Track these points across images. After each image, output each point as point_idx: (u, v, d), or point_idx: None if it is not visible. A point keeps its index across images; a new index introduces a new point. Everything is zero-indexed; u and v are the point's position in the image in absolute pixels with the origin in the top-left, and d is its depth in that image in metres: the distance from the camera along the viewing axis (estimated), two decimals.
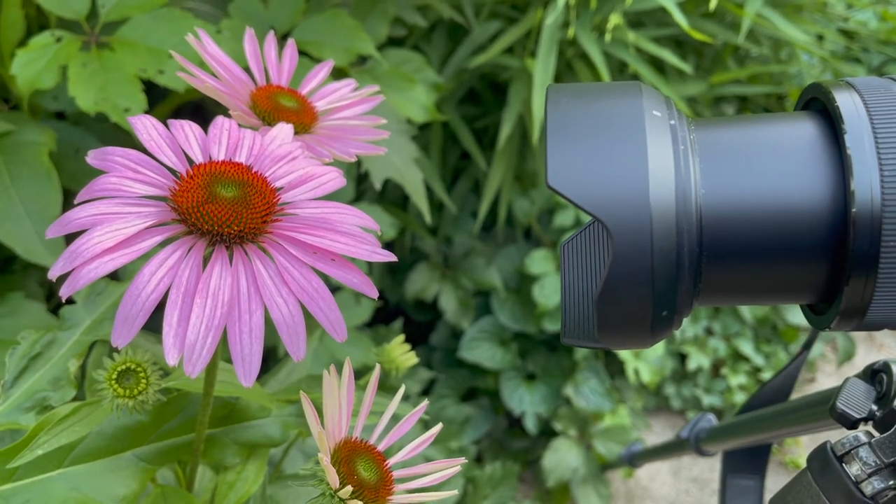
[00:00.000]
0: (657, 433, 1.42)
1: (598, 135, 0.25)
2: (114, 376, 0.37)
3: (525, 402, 1.27)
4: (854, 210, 0.25)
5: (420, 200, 0.93)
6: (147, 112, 0.67)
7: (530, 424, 1.26)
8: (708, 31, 1.22)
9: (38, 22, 0.79)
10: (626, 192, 0.24)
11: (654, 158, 0.25)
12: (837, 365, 1.51)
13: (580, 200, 0.24)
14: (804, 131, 0.27)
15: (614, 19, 1.05)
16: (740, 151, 0.26)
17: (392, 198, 1.27)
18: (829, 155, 0.26)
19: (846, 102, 0.26)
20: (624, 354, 1.32)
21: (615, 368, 1.38)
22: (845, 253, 0.25)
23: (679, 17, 1.02)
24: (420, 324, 1.37)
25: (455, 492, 0.35)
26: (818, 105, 0.28)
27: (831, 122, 0.27)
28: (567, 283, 0.30)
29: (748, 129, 0.27)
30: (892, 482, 0.28)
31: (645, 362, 1.33)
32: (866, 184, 0.25)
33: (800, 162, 0.26)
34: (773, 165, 0.26)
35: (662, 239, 0.24)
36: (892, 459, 0.28)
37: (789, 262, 0.26)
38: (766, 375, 1.44)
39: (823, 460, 0.29)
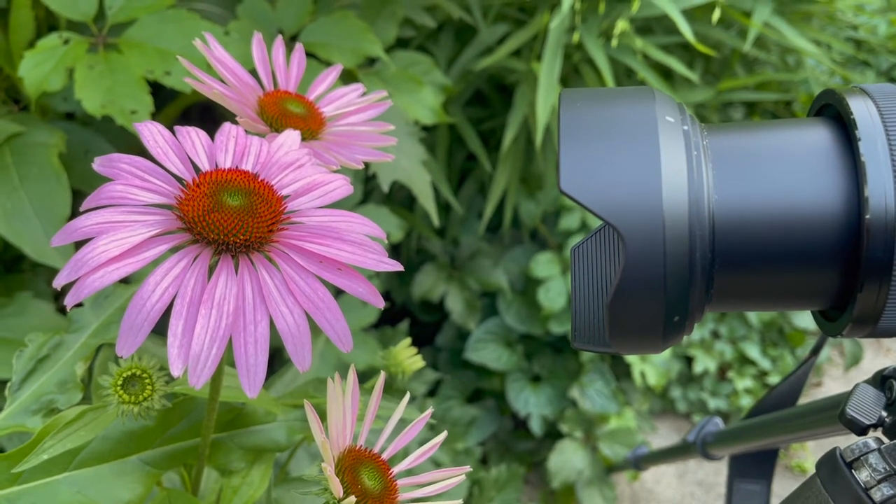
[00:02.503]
0: (663, 436, 1.42)
1: (610, 140, 0.25)
2: (119, 382, 0.37)
3: (531, 403, 1.26)
4: (868, 217, 0.24)
5: (427, 202, 0.93)
6: (154, 114, 0.67)
7: (535, 426, 1.25)
8: (716, 38, 1.21)
9: (47, 23, 0.79)
10: (639, 197, 0.24)
11: (668, 164, 0.25)
12: (845, 369, 1.50)
13: (593, 205, 0.24)
14: (817, 138, 0.26)
15: (621, 25, 1.05)
16: (753, 157, 0.26)
17: (399, 199, 1.27)
18: (842, 161, 0.26)
19: (860, 109, 0.26)
20: (630, 357, 1.32)
21: (621, 371, 1.38)
22: (858, 260, 0.25)
23: (684, 28, 1.01)
24: (426, 324, 1.37)
25: (460, 501, 0.35)
26: (831, 111, 0.28)
27: (845, 129, 0.26)
28: (577, 288, 0.30)
29: (761, 135, 0.27)
30: None
31: (651, 365, 1.33)
32: (880, 190, 0.24)
33: (813, 168, 0.26)
34: (787, 172, 0.26)
35: (675, 245, 0.24)
36: None
37: (802, 268, 0.26)
38: (773, 379, 1.43)
39: (833, 467, 0.29)
